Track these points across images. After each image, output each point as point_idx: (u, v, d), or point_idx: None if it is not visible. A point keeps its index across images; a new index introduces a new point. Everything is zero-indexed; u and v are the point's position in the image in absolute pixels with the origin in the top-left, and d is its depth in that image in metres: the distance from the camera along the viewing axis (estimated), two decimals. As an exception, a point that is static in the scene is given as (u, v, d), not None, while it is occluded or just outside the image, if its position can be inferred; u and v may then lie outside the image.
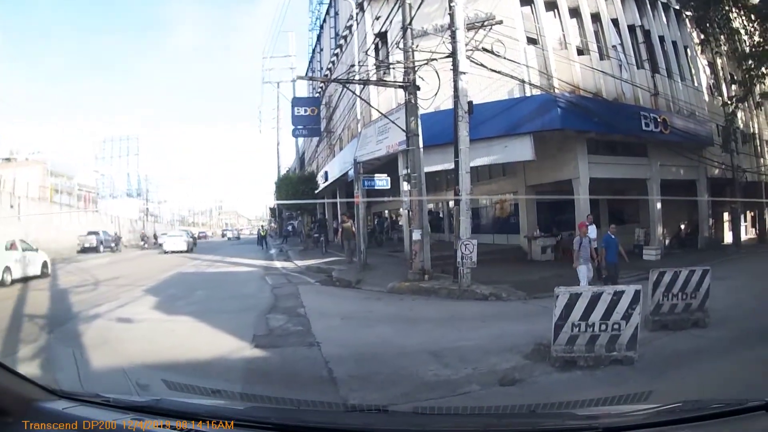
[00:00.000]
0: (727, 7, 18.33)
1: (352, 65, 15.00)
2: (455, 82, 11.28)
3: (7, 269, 13.20)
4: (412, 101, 12.17)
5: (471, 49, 12.07)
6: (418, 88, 12.19)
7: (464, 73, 11.38)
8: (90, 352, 5.93)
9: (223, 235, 60.11)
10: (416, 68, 12.25)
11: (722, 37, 19.91)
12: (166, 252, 25.47)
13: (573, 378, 5.05)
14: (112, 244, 30.75)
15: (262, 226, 31.14)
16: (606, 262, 9.73)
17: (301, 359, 5.80)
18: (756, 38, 17.97)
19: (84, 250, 27.42)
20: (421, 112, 12.33)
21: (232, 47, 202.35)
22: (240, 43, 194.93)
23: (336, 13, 22.56)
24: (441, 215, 23.18)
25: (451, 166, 11.75)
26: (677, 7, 19.75)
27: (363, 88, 16.26)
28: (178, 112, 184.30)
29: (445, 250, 13.55)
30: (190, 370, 5.28)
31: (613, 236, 10.03)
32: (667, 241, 17.47)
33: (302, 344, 6.34)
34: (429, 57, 12.03)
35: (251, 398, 3.48)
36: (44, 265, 15.53)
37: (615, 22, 17.03)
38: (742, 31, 19.08)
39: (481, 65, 12.43)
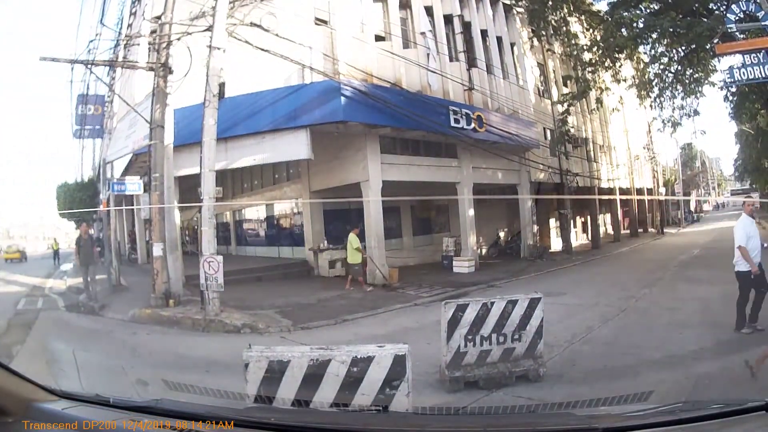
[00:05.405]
0: (566, 10, 17.53)
1: (91, 40, 12.31)
2: (209, 59, 9.70)
3: None
4: (161, 85, 10.44)
5: (236, 23, 10.42)
6: (171, 71, 10.56)
7: (219, 48, 9.81)
8: None
9: None
10: (168, 44, 10.54)
11: (558, 39, 19.26)
12: None
13: None
14: None
15: (55, 240, 27.08)
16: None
17: None
18: (599, 34, 16.93)
19: None
20: (188, 104, 10.89)
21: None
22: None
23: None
24: (227, 223, 20.80)
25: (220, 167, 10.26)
26: (507, 2, 18.70)
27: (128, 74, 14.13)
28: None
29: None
30: None
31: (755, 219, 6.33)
32: (483, 251, 16.02)
33: None
34: (185, 31, 10.43)
35: (251, 398, 3.22)
36: None
37: (429, 10, 15.38)
38: (581, 35, 18.38)
39: (246, 42, 10.68)
